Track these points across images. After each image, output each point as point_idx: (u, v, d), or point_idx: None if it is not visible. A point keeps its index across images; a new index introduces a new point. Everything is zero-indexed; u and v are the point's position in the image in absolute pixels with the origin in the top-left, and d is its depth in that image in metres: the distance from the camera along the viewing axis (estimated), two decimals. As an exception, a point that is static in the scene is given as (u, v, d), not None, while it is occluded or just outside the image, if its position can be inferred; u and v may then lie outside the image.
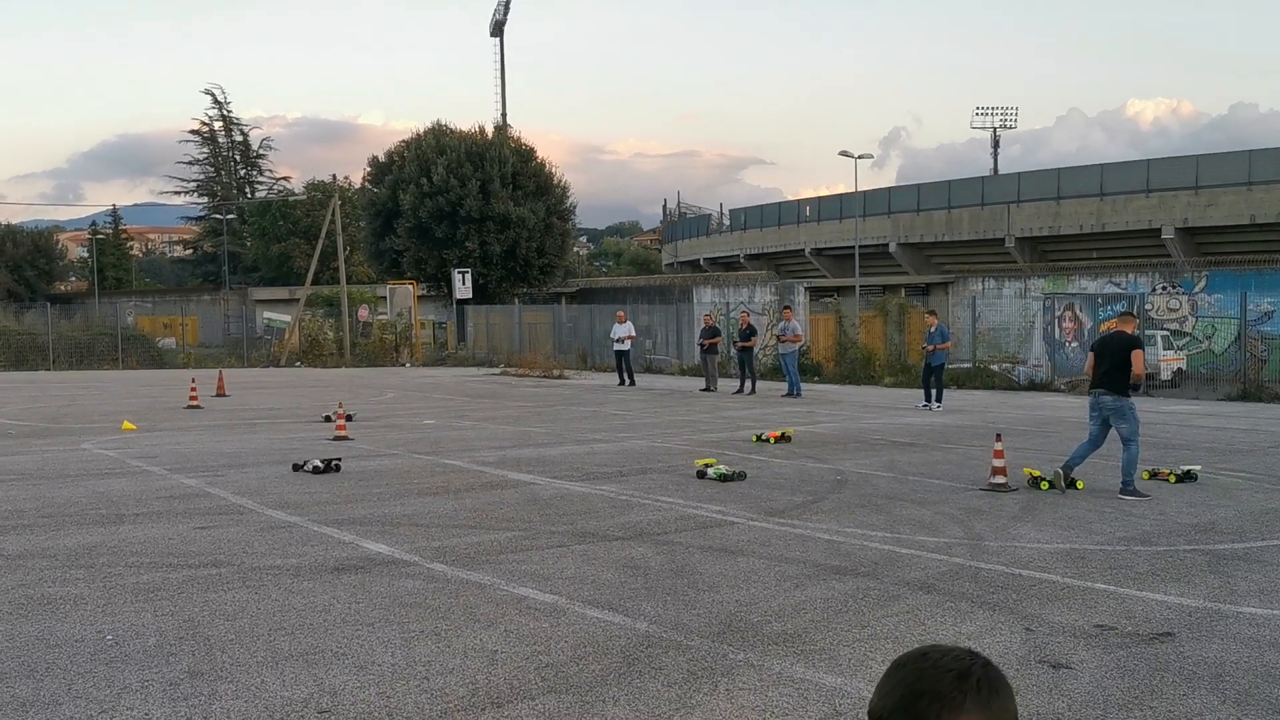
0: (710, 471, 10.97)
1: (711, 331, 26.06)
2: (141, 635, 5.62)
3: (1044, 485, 10.60)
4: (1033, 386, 25.47)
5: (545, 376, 31.25)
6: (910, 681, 1.50)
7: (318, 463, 11.64)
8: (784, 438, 14.58)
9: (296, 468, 11.71)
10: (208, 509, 9.41)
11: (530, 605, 6.24)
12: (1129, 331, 10.68)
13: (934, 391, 20.36)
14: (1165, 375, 27.42)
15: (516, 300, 48.15)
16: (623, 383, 27.18)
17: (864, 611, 6.18)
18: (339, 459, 11.99)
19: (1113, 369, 10.43)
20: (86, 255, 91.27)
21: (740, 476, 10.93)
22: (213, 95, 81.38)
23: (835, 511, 9.36)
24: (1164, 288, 30.98)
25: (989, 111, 76.50)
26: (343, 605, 6.22)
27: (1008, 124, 77.43)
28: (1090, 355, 10.95)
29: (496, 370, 35.01)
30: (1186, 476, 11.15)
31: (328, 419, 16.87)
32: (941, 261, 48.97)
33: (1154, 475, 11.23)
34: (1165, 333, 30.56)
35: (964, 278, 40.70)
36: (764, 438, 14.59)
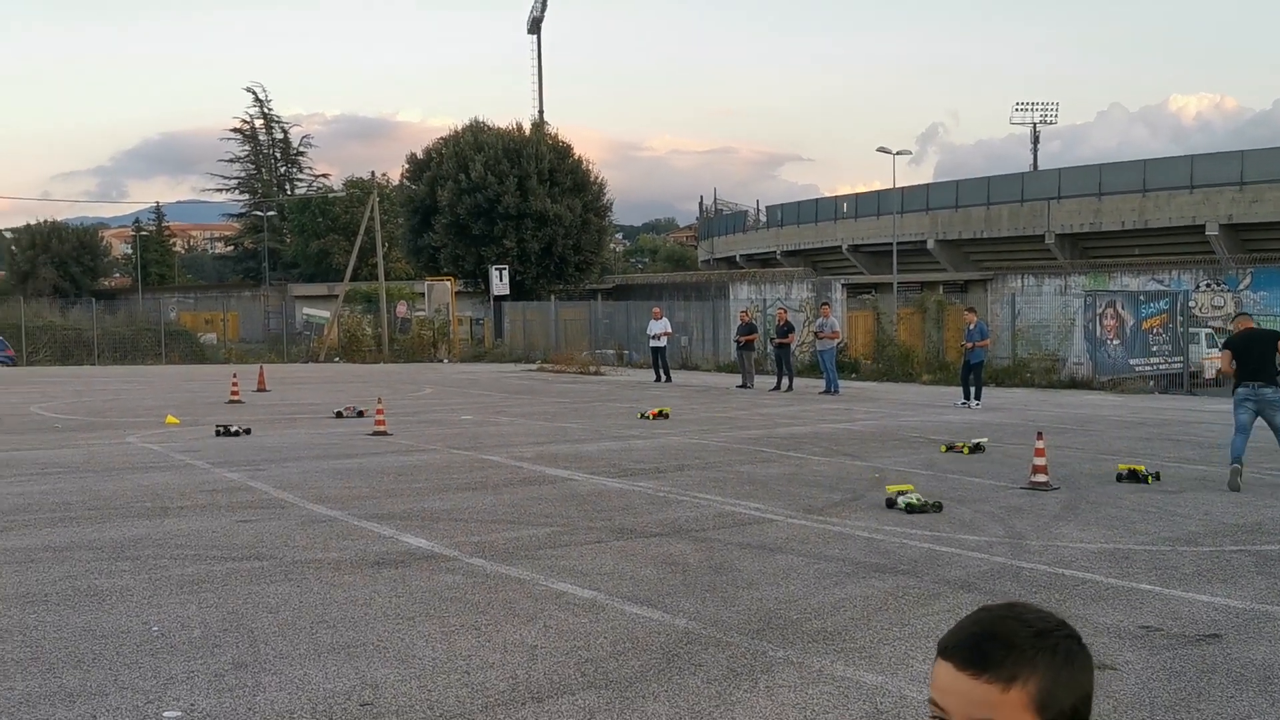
0: (900, 501, 9.26)
1: (748, 328, 25.99)
2: (186, 627, 5.69)
3: (1150, 479, 10.74)
4: (1074, 384, 25.22)
5: (581, 373, 31.30)
6: (988, 624, 1.45)
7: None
8: (662, 414, 17.18)
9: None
10: (250, 503, 9.50)
11: (569, 601, 6.26)
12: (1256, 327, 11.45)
13: (973, 389, 20.20)
14: (1209, 373, 27.04)
15: (553, 297, 48.23)
16: (659, 379, 27.17)
17: (904, 610, 6.15)
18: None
19: (1267, 363, 10.74)
20: (130, 252, 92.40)
21: (936, 508, 9.14)
22: (254, 93, 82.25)
23: (874, 509, 9.31)
24: (1208, 285, 30.60)
25: (1029, 107, 75.84)
26: (383, 599, 6.26)
27: (1048, 119, 76.73)
28: (1227, 353, 11.21)
29: (533, 366, 35.12)
30: (977, 449, 12.99)
31: (339, 415, 17.17)
32: (980, 258, 48.56)
33: (950, 449, 13.09)
34: (1210, 330, 30.16)
35: (1003, 274, 40.35)
36: (645, 415, 17.35)
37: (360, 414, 17.20)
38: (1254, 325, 11.38)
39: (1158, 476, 10.87)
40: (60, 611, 5.98)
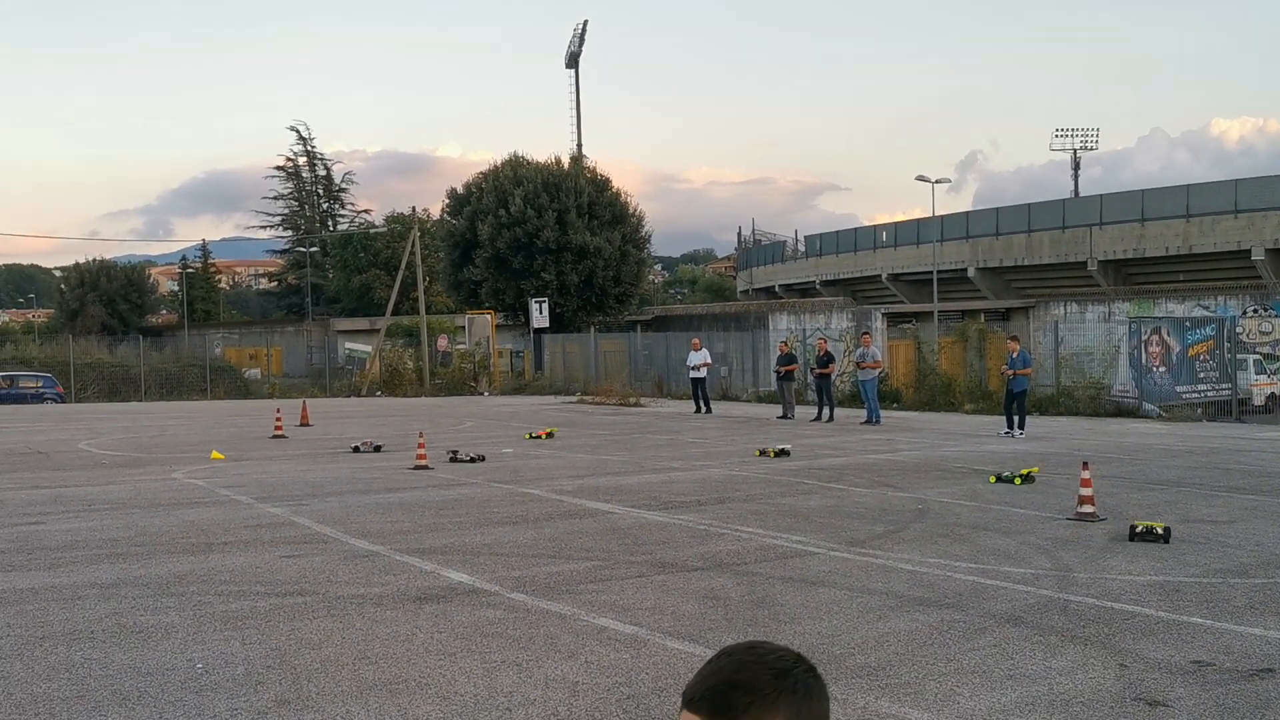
0: (1140, 527, 9.16)
1: (787, 359, 25.91)
2: (230, 664, 5.72)
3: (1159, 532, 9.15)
4: (1119, 412, 24.90)
5: (621, 404, 31.31)
6: (730, 671, 1.52)
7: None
8: (551, 435, 18.19)
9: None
10: (293, 538, 9.57)
11: (611, 636, 6.23)
12: None
13: (1017, 418, 20.00)
14: (1258, 400, 26.61)
15: (592, 328, 48.38)
16: (699, 410, 27.12)
17: (949, 644, 6.06)
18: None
19: None
20: (177, 289, 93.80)
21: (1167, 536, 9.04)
22: (298, 131, 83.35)
23: (917, 541, 9.22)
24: (1255, 310, 30.15)
25: (1069, 133, 75.25)
26: (425, 635, 6.27)
27: (1088, 145, 76.06)
28: None
29: (573, 398, 35.18)
30: (1028, 479, 12.81)
31: (356, 449, 17.27)
32: (1021, 285, 48.18)
33: (1000, 479, 12.87)
34: (1258, 357, 29.68)
35: (1045, 302, 39.99)
36: (534, 435, 18.40)
37: (378, 448, 17.41)
38: None
39: (1166, 537, 9.08)
40: (106, 649, 6.04)
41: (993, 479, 13.01)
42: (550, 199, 49.40)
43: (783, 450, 16.31)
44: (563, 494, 12.29)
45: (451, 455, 15.80)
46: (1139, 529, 9.23)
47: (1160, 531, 9.14)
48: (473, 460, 15.49)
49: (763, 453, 16.34)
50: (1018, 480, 12.77)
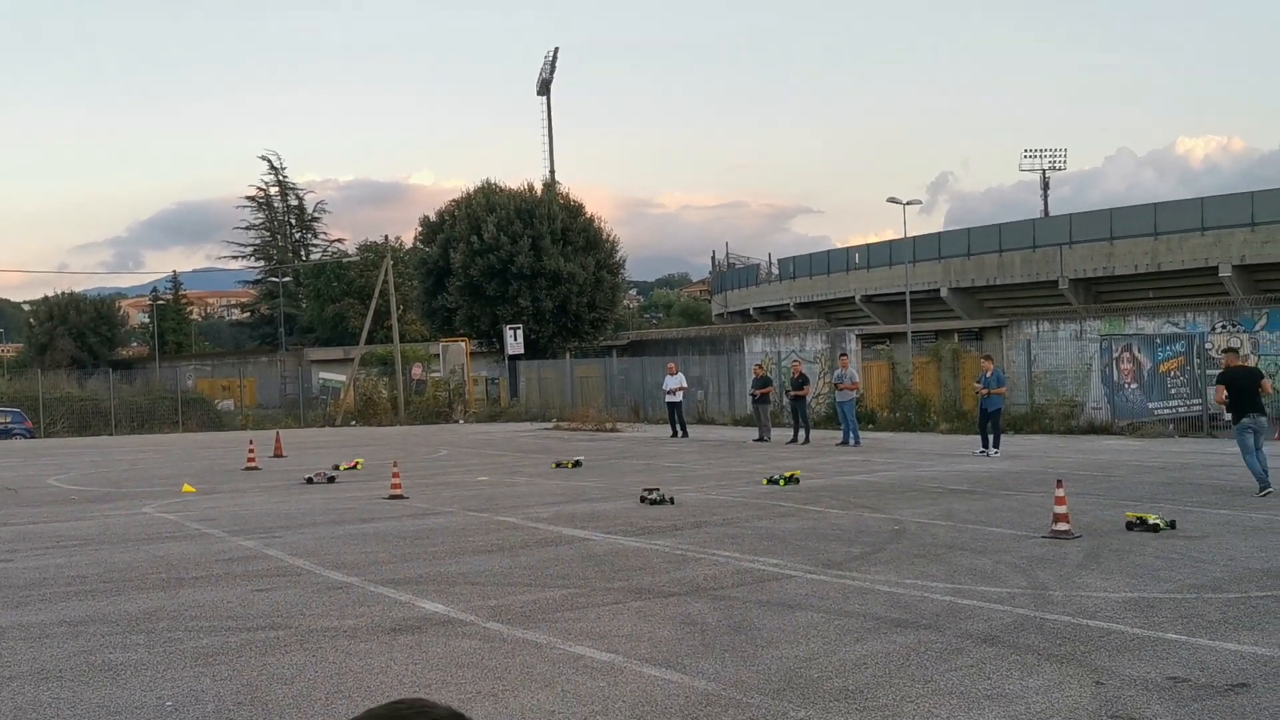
0: (1137, 517, 10.73)
1: (763, 381, 25.96)
2: (201, 701, 5.64)
3: (1162, 526, 10.53)
4: (1092, 429, 25.05)
5: (598, 430, 31.26)
6: None
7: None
8: (578, 465, 18.46)
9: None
10: (265, 571, 9.46)
11: (588, 664, 6.18)
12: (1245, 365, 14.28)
13: (991, 436, 20.09)
14: (1228, 416, 26.80)
15: (568, 354, 48.31)
16: (675, 434, 27.11)
17: (927, 665, 6.05)
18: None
19: (1256, 396, 13.32)
20: (147, 321, 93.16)
21: (1171, 526, 10.57)
22: (269, 162, 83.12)
23: (894, 562, 9.21)
24: (1224, 326, 30.43)
25: (1038, 154, 76.06)
26: (400, 666, 6.21)
27: (1056, 165, 76.84)
28: (1221, 387, 13.74)
29: (549, 425, 35.09)
30: (792, 480, 15.05)
31: (310, 480, 17.18)
32: (994, 305, 48.51)
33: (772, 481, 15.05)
34: (1227, 372, 29.92)
35: (1018, 321, 40.24)
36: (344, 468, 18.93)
37: (331, 479, 17.38)
38: (1244, 363, 14.12)
39: (1173, 524, 10.60)
40: (74, 688, 5.94)
41: (765, 481, 15.27)
42: (524, 225, 49.41)
43: (792, 477, 15.30)
44: (539, 521, 12.22)
45: (645, 496, 13.65)
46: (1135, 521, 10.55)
47: (1153, 522, 10.48)
48: (662, 502, 13.34)
49: (771, 481, 15.31)
50: (782, 482, 14.92)
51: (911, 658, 6.22)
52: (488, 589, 8.43)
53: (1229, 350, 15.58)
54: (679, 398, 27.69)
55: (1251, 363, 19.68)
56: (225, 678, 6.06)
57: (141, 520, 13.27)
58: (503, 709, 5.39)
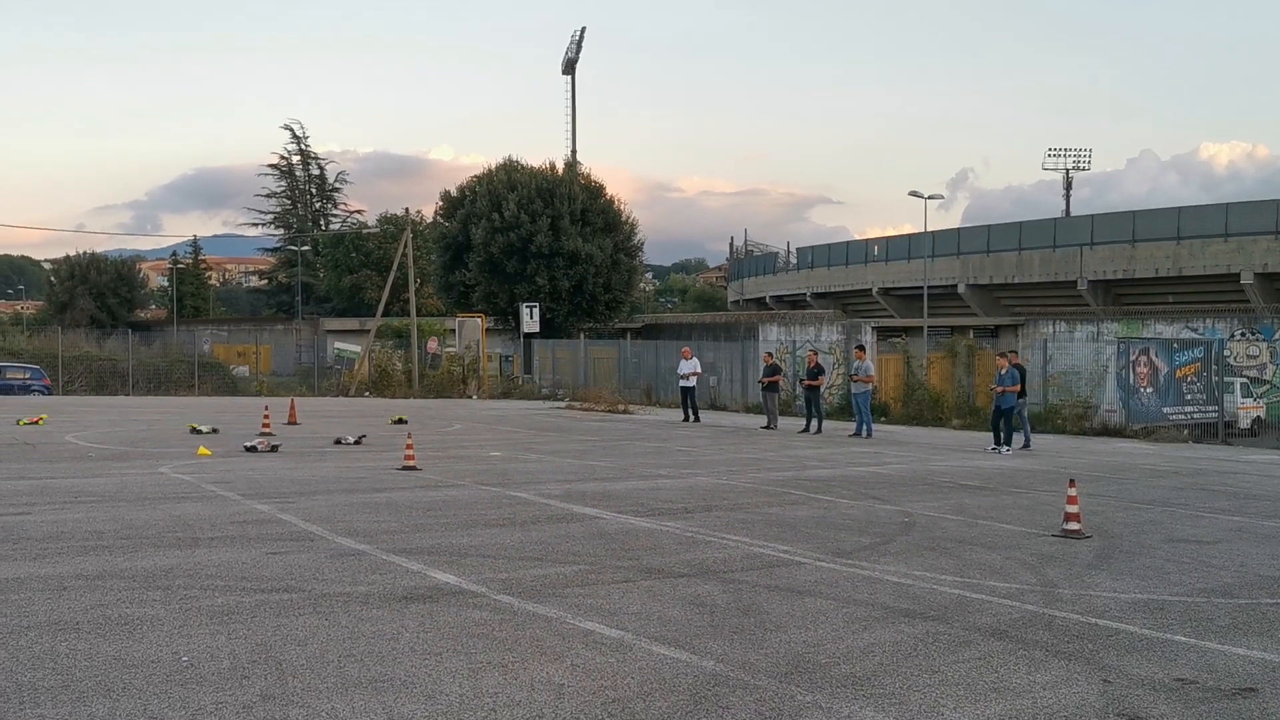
0: None
1: (772, 370, 25.97)
2: (215, 658, 5.71)
3: None
4: (1106, 431, 24.99)
5: (610, 411, 31.31)
6: None
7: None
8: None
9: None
10: (279, 535, 9.55)
11: (597, 640, 6.24)
12: None
13: (1003, 434, 20.07)
14: (1244, 423, 26.72)
15: (582, 335, 48.37)
16: (687, 419, 27.15)
17: (934, 656, 6.09)
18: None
19: None
20: (166, 284, 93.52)
21: None
22: (292, 130, 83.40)
23: (903, 554, 9.24)
24: (1243, 334, 30.30)
25: (1062, 153, 75.70)
26: (411, 634, 6.27)
27: (1081, 165, 76.56)
28: None
29: (562, 404, 35.17)
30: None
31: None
32: (1011, 303, 48.37)
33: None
34: (1244, 380, 29.83)
35: (1034, 320, 40.15)
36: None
37: (358, 441, 18.27)
38: None
39: None
40: (91, 640, 6.02)
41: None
42: (544, 205, 49.42)
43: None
44: (550, 498, 12.28)
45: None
46: None
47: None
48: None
49: None
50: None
51: (919, 648, 6.25)
52: (499, 562, 8.49)
53: None
54: (692, 383, 27.70)
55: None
56: (240, 636, 6.14)
57: (158, 479, 13.38)
58: (512, 680, 5.44)
